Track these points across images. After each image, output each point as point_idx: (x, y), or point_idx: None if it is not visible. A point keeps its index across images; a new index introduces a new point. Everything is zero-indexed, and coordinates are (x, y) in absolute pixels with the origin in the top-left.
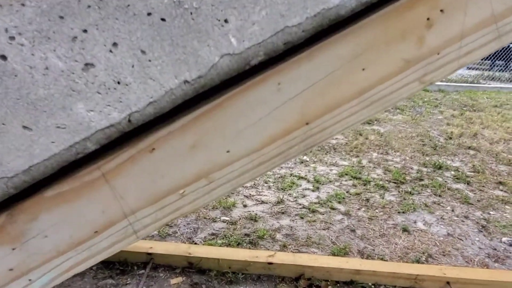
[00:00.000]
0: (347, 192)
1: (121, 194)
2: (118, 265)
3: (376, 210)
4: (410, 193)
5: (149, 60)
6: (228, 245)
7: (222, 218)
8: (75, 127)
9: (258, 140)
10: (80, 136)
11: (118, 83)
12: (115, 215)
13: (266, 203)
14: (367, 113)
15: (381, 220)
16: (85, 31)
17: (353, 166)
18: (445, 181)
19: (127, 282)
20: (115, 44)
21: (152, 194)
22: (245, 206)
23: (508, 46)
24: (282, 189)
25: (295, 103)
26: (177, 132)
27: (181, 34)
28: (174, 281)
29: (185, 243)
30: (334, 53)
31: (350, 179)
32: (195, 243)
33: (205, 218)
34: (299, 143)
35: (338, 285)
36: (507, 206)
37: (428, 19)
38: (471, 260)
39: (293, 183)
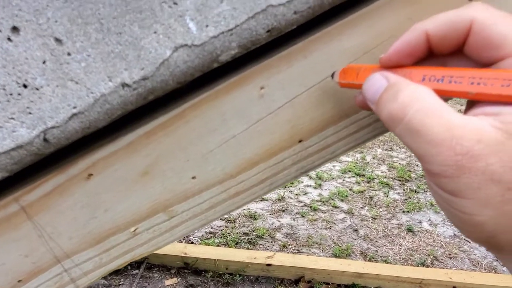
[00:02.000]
0: (350, 189)
1: (49, 233)
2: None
3: (380, 209)
4: (416, 191)
5: (68, 54)
6: (226, 244)
7: None
8: None
9: (233, 163)
10: None
11: (24, 86)
12: (44, 260)
13: (267, 200)
14: (382, 126)
15: (385, 219)
16: None
17: (356, 163)
18: None
19: (120, 283)
20: (15, 29)
21: (93, 234)
22: None
23: None
24: (283, 185)
25: (284, 114)
26: (122, 152)
27: (114, 16)
28: (169, 282)
29: (181, 242)
30: (339, 45)
31: (354, 176)
32: (192, 243)
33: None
34: (289, 166)
35: None
36: None
37: None
38: (478, 263)
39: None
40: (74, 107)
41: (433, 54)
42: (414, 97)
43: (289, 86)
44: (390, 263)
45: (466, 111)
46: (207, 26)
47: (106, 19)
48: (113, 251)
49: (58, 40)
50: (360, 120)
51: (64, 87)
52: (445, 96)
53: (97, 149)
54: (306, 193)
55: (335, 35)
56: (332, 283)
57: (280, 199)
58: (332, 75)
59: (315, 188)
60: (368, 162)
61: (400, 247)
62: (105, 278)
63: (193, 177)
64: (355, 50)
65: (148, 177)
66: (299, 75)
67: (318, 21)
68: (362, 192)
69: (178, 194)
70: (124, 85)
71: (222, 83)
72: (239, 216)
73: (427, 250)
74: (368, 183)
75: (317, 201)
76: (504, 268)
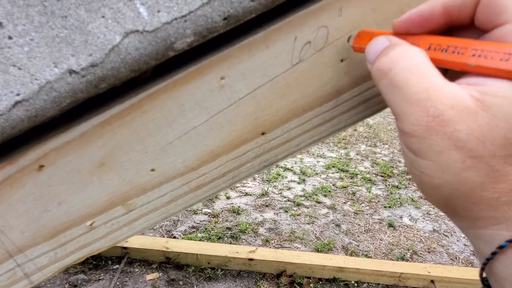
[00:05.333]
0: (333, 185)
1: None
2: (91, 259)
3: (362, 204)
4: (397, 187)
5: (9, 37)
6: (209, 239)
7: (204, 210)
8: None
9: (194, 155)
10: None
11: None
12: None
13: (250, 195)
14: (348, 119)
15: (367, 214)
16: None
17: (340, 158)
18: None
19: (100, 278)
20: None
21: (47, 227)
22: (228, 198)
23: None
24: (267, 180)
25: (246, 106)
26: (76, 143)
27: None
28: (150, 276)
29: (163, 236)
30: (301, 36)
31: (337, 172)
32: (174, 237)
33: (186, 210)
34: (252, 159)
35: (321, 282)
36: None
37: None
38: (456, 258)
39: (279, 175)
40: (18, 94)
41: (451, 29)
42: (404, 55)
43: (250, 76)
44: (371, 257)
45: (453, 79)
46: (159, 11)
47: (50, 1)
48: (68, 245)
49: None
50: (324, 113)
51: (5, 73)
52: (447, 66)
53: (49, 139)
54: (289, 188)
55: (297, 25)
56: (313, 277)
57: (264, 194)
58: (348, 39)
59: (298, 183)
60: (351, 158)
61: (381, 241)
62: (84, 273)
63: (152, 170)
64: (318, 41)
65: (104, 168)
66: (261, 65)
67: (280, 10)
68: (345, 187)
69: (136, 187)
70: (71, 71)
71: (181, 72)
72: (222, 211)
73: (407, 245)
74: (351, 178)
75: (300, 196)
76: None
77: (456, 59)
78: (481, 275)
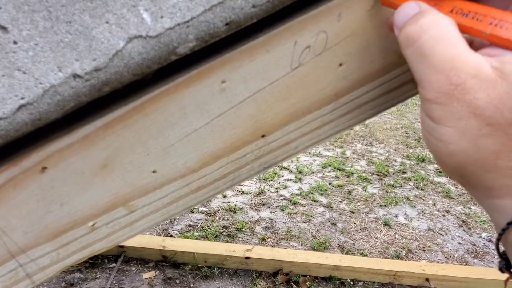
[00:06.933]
0: (329, 184)
1: (2, 227)
2: (88, 258)
3: (358, 203)
4: (393, 186)
5: (15, 42)
6: (205, 237)
7: (201, 209)
8: None
9: (195, 157)
10: None
11: None
12: None
13: (247, 193)
14: (345, 122)
15: (363, 213)
16: None
17: (336, 157)
18: (428, 175)
19: (97, 276)
20: None
21: (49, 228)
22: (224, 196)
23: None
24: (263, 179)
25: (247, 109)
26: (78, 145)
27: (62, 4)
28: (146, 275)
29: (160, 235)
30: (301, 41)
31: (333, 171)
32: (171, 236)
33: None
34: (252, 161)
35: (317, 280)
36: None
37: None
38: (450, 256)
39: (275, 174)
40: (22, 98)
41: None
42: (433, 24)
43: (251, 80)
44: (367, 256)
45: (477, 50)
46: (162, 17)
47: (54, 7)
48: (70, 246)
49: (3, 28)
50: (323, 116)
51: (10, 77)
52: (465, 32)
53: (52, 141)
54: (286, 187)
55: (297, 30)
56: (309, 276)
57: (260, 192)
58: None
59: (295, 182)
60: (348, 157)
61: (377, 240)
62: (81, 271)
63: (154, 171)
64: (317, 46)
65: (107, 170)
66: (261, 69)
67: (280, 16)
68: (341, 186)
69: (138, 188)
70: (75, 76)
71: (183, 76)
72: (219, 210)
73: (402, 243)
74: (347, 177)
75: (297, 195)
76: (475, 261)
77: (474, 25)
78: (497, 245)
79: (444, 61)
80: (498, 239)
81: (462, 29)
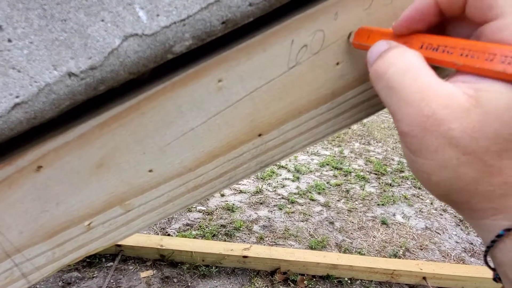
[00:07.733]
0: (327, 183)
1: None
2: (85, 257)
3: (356, 202)
4: (390, 185)
5: (9, 40)
6: (203, 236)
7: (198, 207)
8: None
9: (192, 156)
10: None
11: None
12: None
13: (245, 192)
14: (342, 121)
15: (360, 212)
16: None
17: (334, 156)
18: None
19: (94, 275)
20: None
21: (45, 227)
22: (222, 195)
23: None
24: (261, 178)
25: (244, 108)
26: (74, 144)
27: (57, 1)
28: (144, 274)
29: (157, 234)
30: (298, 40)
31: (331, 170)
32: (169, 235)
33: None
34: (248, 160)
35: (315, 279)
36: None
37: None
38: (448, 255)
39: (273, 172)
40: (17, 96)
41: (445, 19)
42: (399, 57)
43: (248, 79)
44: (364, 254)
45: (449, 77)
46: (158, 15)
47: (49, 5)
48: (66, 245)
49: None
50: (320, 115)
51: (5, 75)
52: (438, 65)
53: (47, 140)
54: (284, 186)
55: (294, 29)
56: (307, 275)
57: (258, 191)
58: (349, 36)
59: (293, 181)
60: (345, 156)
61: (374, 239)
62: (78, 270)
63: (150, 170)
64: (314, 44)
65: (103, 169)
66: (258, 68)
67: (277, 14)
68: (339, 185)
69: (134, 187)
70: (70, 74)
71: (179, 75)
72: (216, 208)
73: (399, 242)
74: (345, 176)
75: (294, 194)
76: (472, 259)
77: (446, 58)
78: (485, 259)
79: (414, 93)
80: (485, 255)
81: (436, 63)
